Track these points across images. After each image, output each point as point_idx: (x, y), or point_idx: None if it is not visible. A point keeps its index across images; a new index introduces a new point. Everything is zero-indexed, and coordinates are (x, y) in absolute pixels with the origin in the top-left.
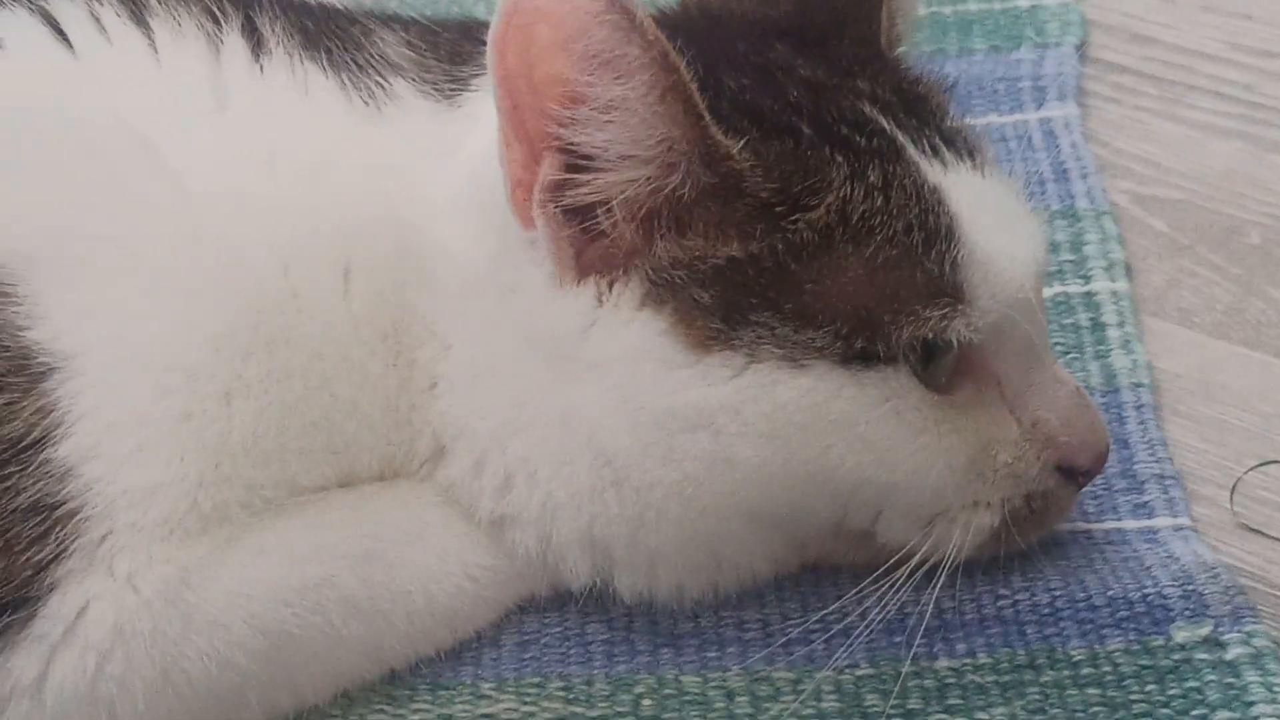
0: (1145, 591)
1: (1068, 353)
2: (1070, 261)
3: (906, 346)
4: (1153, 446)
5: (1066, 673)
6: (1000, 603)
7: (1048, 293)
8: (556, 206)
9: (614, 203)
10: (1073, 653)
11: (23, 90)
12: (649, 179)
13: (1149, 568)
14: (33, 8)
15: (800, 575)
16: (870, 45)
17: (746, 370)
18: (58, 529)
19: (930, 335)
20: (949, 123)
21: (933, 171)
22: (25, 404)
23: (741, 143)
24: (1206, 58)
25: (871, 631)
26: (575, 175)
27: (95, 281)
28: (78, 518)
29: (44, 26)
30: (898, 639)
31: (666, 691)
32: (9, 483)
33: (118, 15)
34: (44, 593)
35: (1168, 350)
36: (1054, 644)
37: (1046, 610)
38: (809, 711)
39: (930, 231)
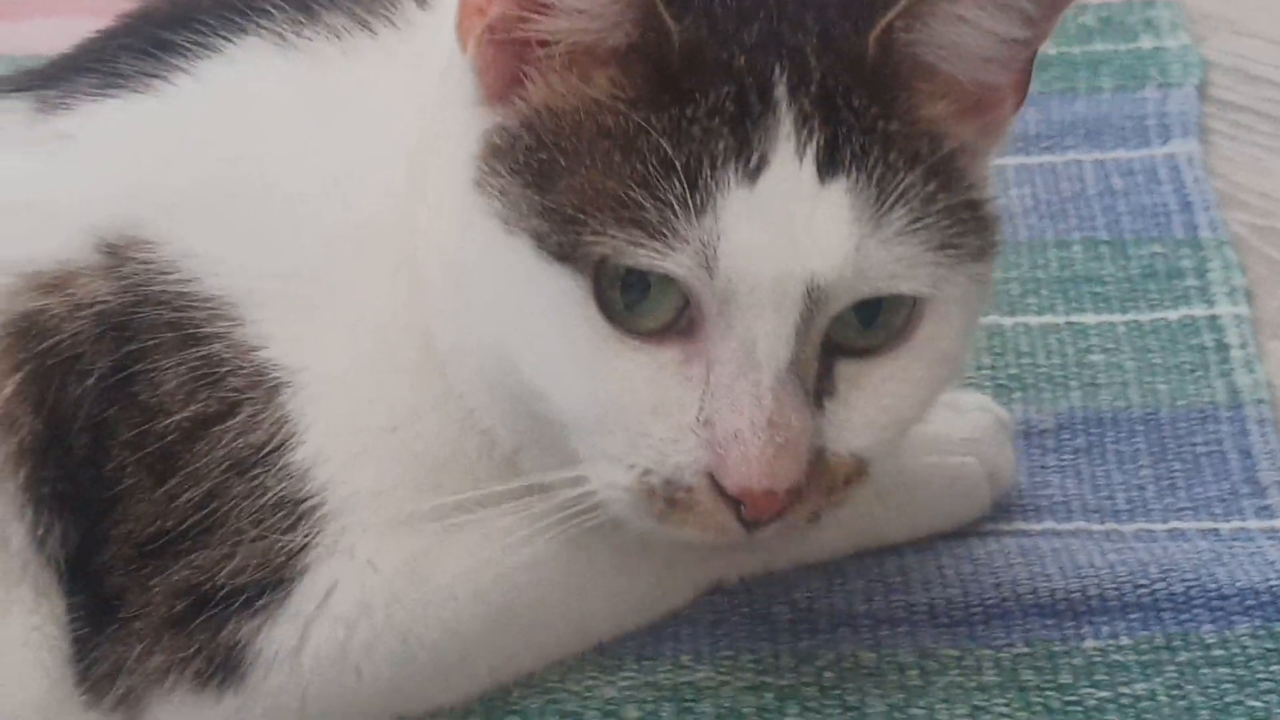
0: (1271, 583)
1: (1194, 370)
2: (1195, 287)
3: (597, 264)
4: (1274, 456)
5: (1199, 654)
6: (1139, 591)
7: (1173, 315)
8: (500, 37)
9: (559, 42)
10: (1205, 636)
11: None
12: (592, 29)
13: (1273, 562)
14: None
15: (960, 564)
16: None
17: (477, 211)
18: (304, 521)
19: (621, 256)
20: (853, 124)
21: (765, 147)
22: (265, 415)
23: (676, 22)
24: None
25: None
26: (532, 13)
27: (303, 309)
28: (319, 513)
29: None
30: (1050, 621)
31: (845, 665)
32: (258, 482)
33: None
34: (297, 575)
35: None
36: (1188, 628)
37: (1181, 599)
38: (971, 684)
39: (680, 179)
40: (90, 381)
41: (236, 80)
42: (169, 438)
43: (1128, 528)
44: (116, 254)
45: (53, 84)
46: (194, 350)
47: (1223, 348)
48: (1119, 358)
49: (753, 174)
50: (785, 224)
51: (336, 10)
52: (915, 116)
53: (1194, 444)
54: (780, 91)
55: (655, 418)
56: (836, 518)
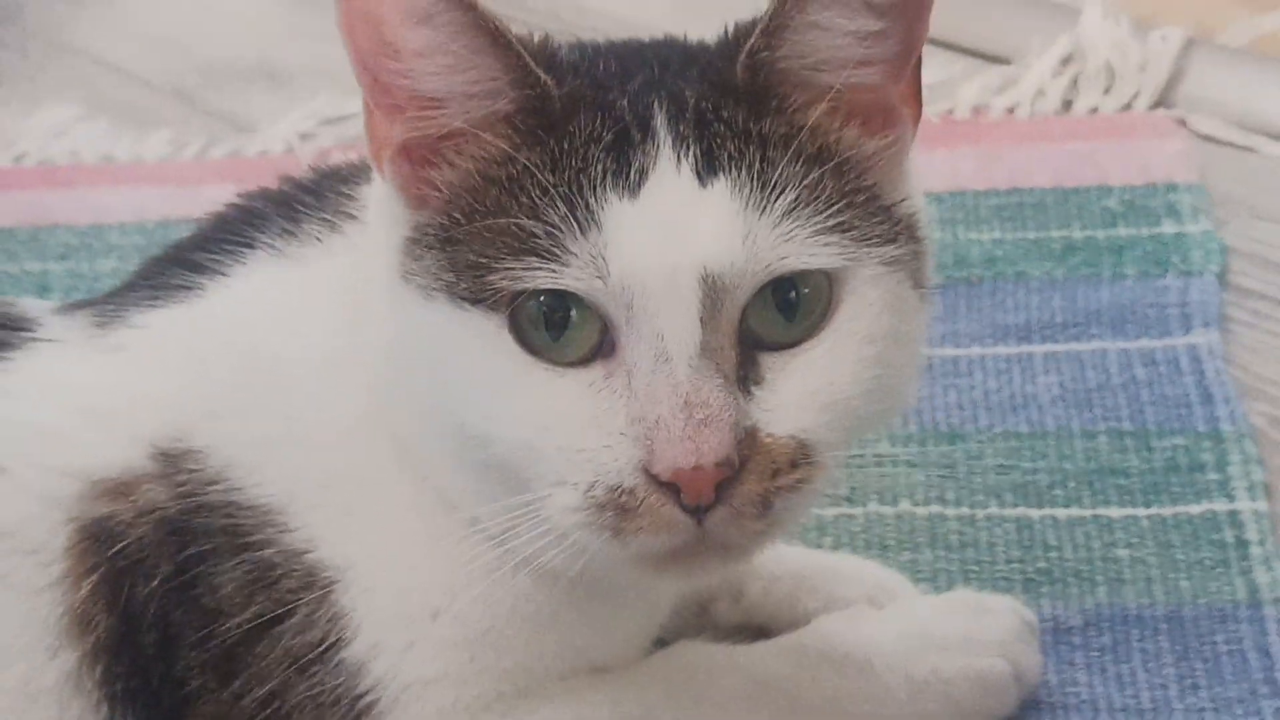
0: None
1: (1215, 567)
2: (1217, 481)
3: (506, 301)
4: None
5: None
6: None
7: (1195, 509)
8: (410, 145)
9: (454, 130)
10: None
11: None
12: (480, 107)
13: None
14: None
15: None
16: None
17: (405, 297)
18: (364, 716)
19: (520, 283)
20: (727, 133)
21: (644, 165)
22: (320, 613)
23: (556, 82)
24: None
25: None
26: (426, 112)
27: (341, 511)
28: (377, 708)
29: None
30: None
31: None
32: (317, 679)
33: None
34: None
35: None
36: None
37: None
38: None
39: (563, 202)
40: (155, 583)
41: (249, 294)
42: (231, 640)
43: None
44: (171, 462)
45: (108, 301)
46: (248, 555)
47: (1242, 544)
48: (1143, 553)
49: (633, 188)
50: (670, 225)
51: (313, 218)
52: (793, 120)
53: (1215, 642)
54: (659, 121)
55: (587, 433)
56: (871, 716)
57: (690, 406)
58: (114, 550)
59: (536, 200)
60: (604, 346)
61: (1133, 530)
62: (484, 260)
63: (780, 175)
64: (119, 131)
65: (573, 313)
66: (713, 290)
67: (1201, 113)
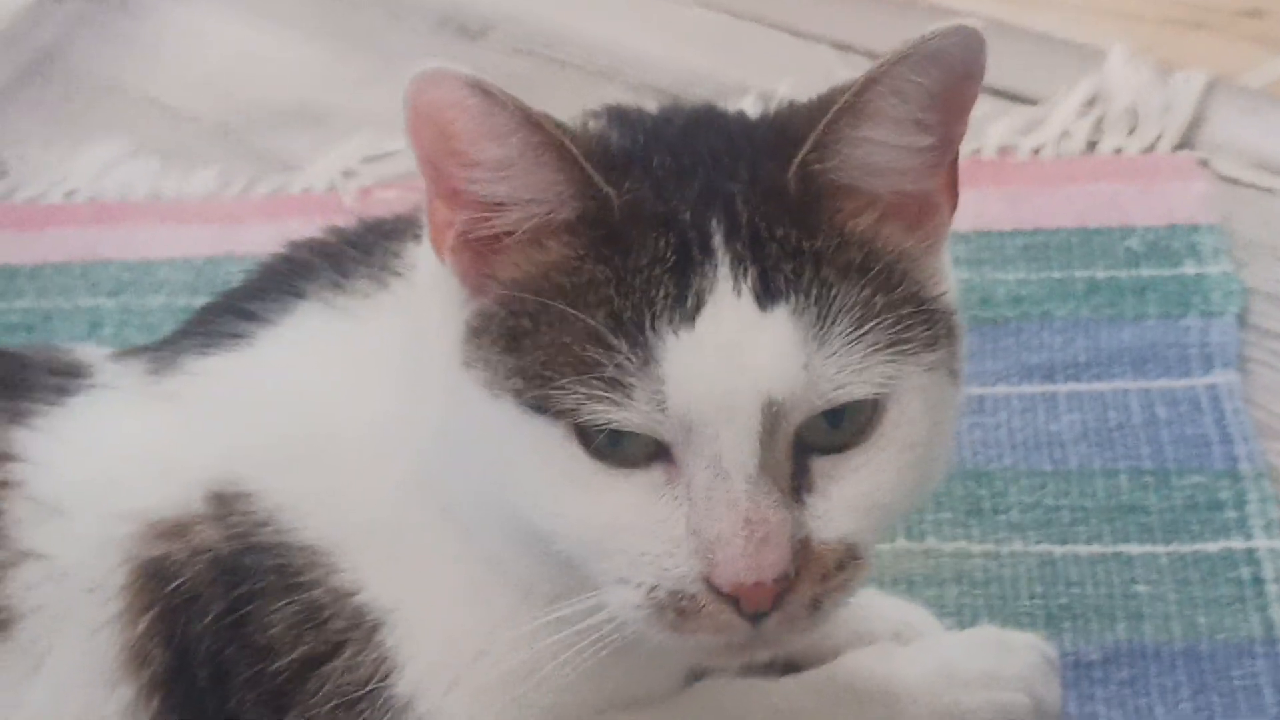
0: None
1: (1232, 604)
2: (1234, 519)
3: (571, 416)
4: None
5: None
6: None
7: (1213, 547)
8: (470, 239)
9: (517, 231)
10: None
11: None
12: (542, 213)
13: None
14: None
15: None
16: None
17: (468, 385)
18: None
19: (581, 414)
20: (782, 253)
21: (701, 289)
22: (368, 652)
23: (615, 189)
24: None
25: None
26: (490, 214)
27: (387, 555)
28: None
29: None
30: None
31: None
32: (365, 715)
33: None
34: None
35: None
36: None
37: None
38: None
39: (625, 333)
40: (208, 620)
41: (299, 343)
42: (282, 677)
43: None
44: (223, 504)
45: (162, 348)
46: (297, 595)
47: (1258, 582)
48: (1162, 589)
49: (690, 316)
50: (729, 352)
51: (361, 273)
52: (843, 232)
53: (1231, 678)
54: (717, 240)
55: (649, 537)
56: None
57: (750, 525)
58: (169, 588)
59: (601, 325)
60: (661, 449)
61: (1152, 567)
62: (549, 375)
63: (835, 298)
64: (166, 168)
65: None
66: (772, 416)
67: (1224, 155)
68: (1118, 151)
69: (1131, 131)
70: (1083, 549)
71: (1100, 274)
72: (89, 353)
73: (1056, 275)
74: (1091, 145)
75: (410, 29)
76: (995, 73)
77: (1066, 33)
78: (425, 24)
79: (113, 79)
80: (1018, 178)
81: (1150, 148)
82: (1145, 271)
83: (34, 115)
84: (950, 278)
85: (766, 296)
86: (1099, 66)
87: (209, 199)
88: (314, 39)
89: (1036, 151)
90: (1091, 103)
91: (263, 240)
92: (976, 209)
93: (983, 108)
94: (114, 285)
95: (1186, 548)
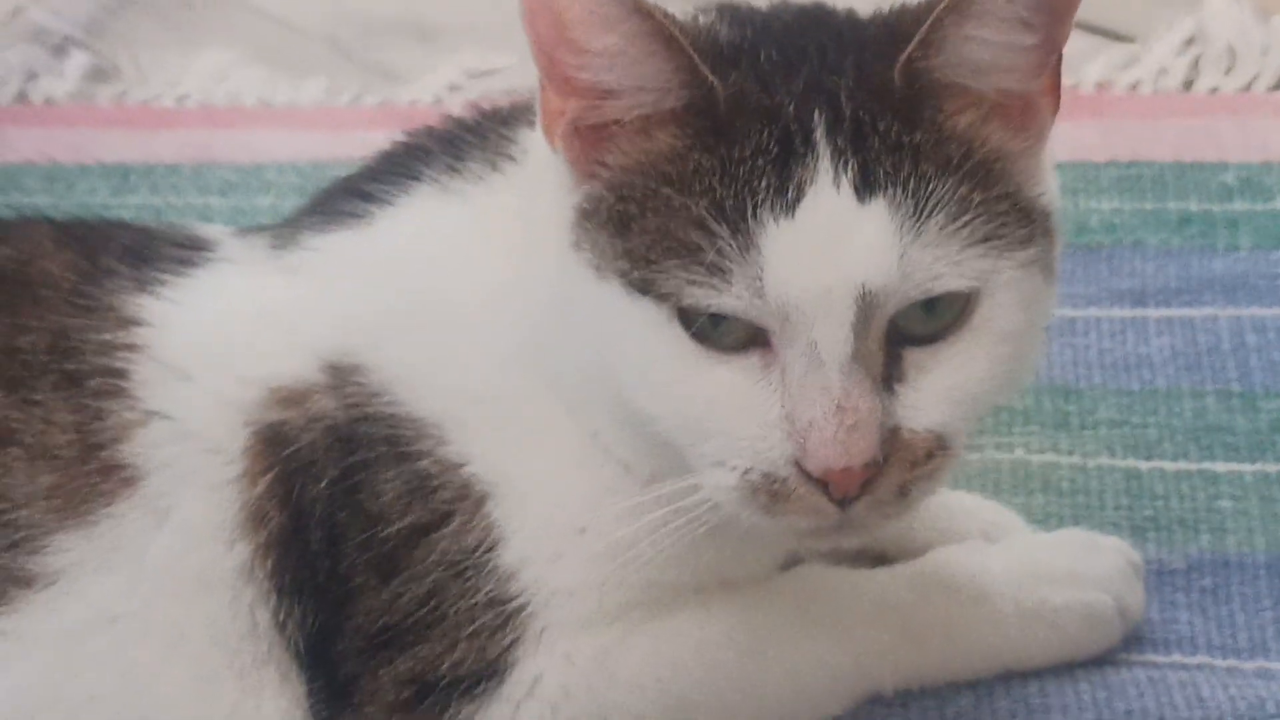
0: None
1: None
2: None
3: (673, 299)
4: None
5: None
6: None
7: None
8: (580, 126)
9: (626, 119)
10: None
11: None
12: (650, 101)
13: None
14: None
15: (1095, 690)
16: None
17: (577, 266)
18: (512, 619)
19: (684, 297)
20: (884, 147)
21: (802, 180)
22: (475, 522)
23: (721, 80)
24: None
25: None
26: (600, 101)
27: (494, 428)
28: (524, 612)
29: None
30: None
31: None
32: (471, 583)
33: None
34: (508, 667)
35: None
36: None
37: None
38: None
39: (727, 219)
40: (323, 485)
41: (414, 222)
42: (391, 543)
43: (1248, 665)
44: (339, 375)
45: (283, 226)
46: (407, 465)
47: None
48: (1246, 505)
49: (790, 206)
50: (827, 243)
51: (473, 157)
52: (944, 129)
53: None
54: (819, 133)
55: (744, 421)
56: (983, 642)
57: (842, 411)
58: (286, 452)
59: (705, 212)
60: (759, 336)
61: (1236, 484)
62: (654, 259)
63: (933, 192)
64: (277, 78)
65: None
66: (866, 306)
67: None
68: (1214, 90)
69: (1228, 71)
70: (1169, 465)
71: (1194, 206)
72: (212, 229)
73: (1150, 206)
74: (1188, 84)
75: None
76: (1094, 9)
77: None
78: None
79: None
80: (1114, 111)
81: (1247, 87)
82: (1238, 206)
83: (148, 22)
84: (1050, 179)
85: (865, 189)
86: (1198, 8)
87: (318, 107)
88: None
89: (1134, 87)
90: (1190, 42)
91: (369, 148)
92: (1072, 140)
93: (1081, 44)
94: (223, 185)
95: (1272, 467)
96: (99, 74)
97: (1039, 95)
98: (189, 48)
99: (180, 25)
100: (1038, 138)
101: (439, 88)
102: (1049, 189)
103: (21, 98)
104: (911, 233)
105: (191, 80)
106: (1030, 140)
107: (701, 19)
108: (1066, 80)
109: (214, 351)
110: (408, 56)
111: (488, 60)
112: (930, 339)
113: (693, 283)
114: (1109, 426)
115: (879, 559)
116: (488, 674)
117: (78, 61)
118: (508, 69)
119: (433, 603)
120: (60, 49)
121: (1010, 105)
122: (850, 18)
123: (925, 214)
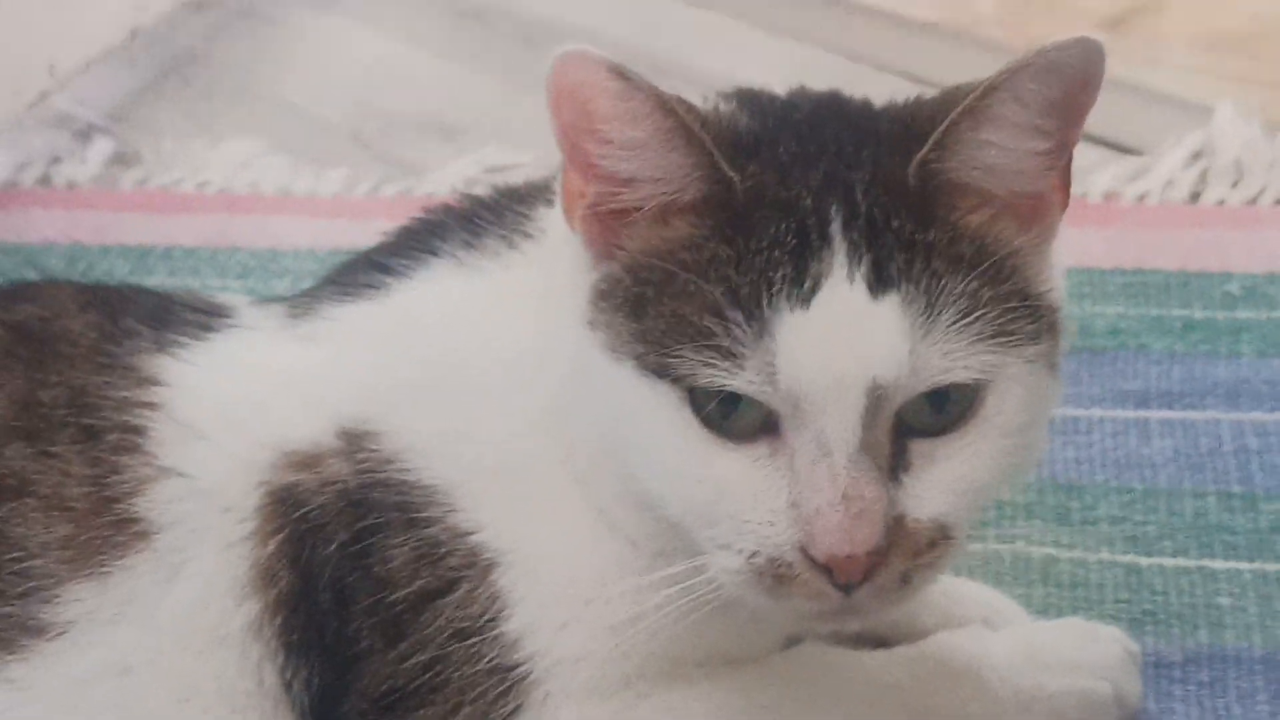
0: None
1: None
2: None
3: (686, 381)
4: None
5: None
6: None
7: None
8: (600, 211)
9: (645, 207)
10: None
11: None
12: (670, 191)
13: None
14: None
15: None
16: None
17: (592, 346)
18: (516, 687)
19: (697, 378)
20: (897, 243)
21: (818, 274)
22: (480, 591)
23: (740, 172)
24: None
25: None
26: (620, 189)
27: (505, 499)
28: (527, 680)
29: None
30: None
31: None
32: (475, 650)
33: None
34: None
35: None
36: None
37: None
38: None
39: (742, 307)
40: (333, 548)
41: (431, 295)
42: (399, 608)
43: None
44: (353, 441)
45: (301, 296)
46: (416, 531)
47: None
48: (1244, 602)
49: (805, 298)
50: (840, 336)
51: (490, 233)
52: (957, 228)
53: None
54: (835, 227)
55: (752, 506)
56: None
57: (848, 500)
58: (298, 514)
59: (721, 298)
60: (768, 424)
61: (1235, 581)
62: (668, 342)
63: (944, 289)
64: (298, 167)
65: (742, 400)
66: (876, 398)
67: None
68: (1221, 203)
69: (1235, 184)
70: (1169, 561)
71: (1198, 314)
72: (230, 298)
73: (1154, 312)
74: (1195, 196)
75: (544, 56)
76: (1103, 124)
77: (1176, 90)
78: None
79: (250, 83)
80: (1121, 221)
81: (1253, 200)
82: (1242, 314)
83: (172, 112)
84: (1056, 277)
85: (879, 284)
86: (1206, 123)
87: (336, 197)
88: (448, 58)
89: (1141, 198)
90: (1197, 156)
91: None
92: (1079, 248)
93: (1090, 156)
94: (241, 269)
95: (1271, 566)
96: (122, 159)
97: (1050, 193)
98: (212, 139)
99: (202, 116)
100: (1047, 233)
101: (456, 180)
102: (1056, 285)
103: (45, 181)
104: (922, 329)
105: (213, 168)
106: (1040, 236)
107: (722, 106)
108: (1075, 190)
109: (230, 413)
110: (429, 153)
111: (506, 157)
112: (937, 431)
113: (706, 364)
114: (1110, 523)
115: (881, 641)
116: None
117: (101, 147)
118: (525, 165)
119: (437, 668)
120: (84, 135)
121: (1021, 204)
122: (866, 109)
123: (936, 310)
